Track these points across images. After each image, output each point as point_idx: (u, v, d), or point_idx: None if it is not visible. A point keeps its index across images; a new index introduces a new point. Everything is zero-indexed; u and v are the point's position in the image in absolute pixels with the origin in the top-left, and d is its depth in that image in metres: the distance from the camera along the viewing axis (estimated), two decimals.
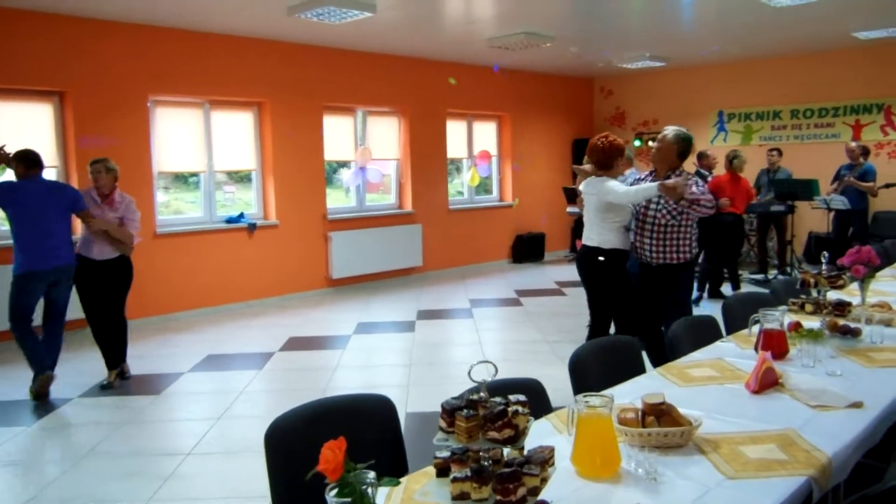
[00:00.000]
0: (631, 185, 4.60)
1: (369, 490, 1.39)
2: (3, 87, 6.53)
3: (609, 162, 4.58)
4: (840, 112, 10.14)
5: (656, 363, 3.78)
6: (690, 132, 4.58)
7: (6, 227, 5.66)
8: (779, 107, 10.64)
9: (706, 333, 3.38)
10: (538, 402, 2.36)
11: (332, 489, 1.38)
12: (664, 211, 4.35)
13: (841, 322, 3.23)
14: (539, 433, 2.03)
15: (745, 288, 8.49)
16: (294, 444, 2.05)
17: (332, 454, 1.34)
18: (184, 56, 7.57)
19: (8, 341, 5.59)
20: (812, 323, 3.26)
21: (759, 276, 9.29)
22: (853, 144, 8.98)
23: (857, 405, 2.36)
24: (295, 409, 2.15)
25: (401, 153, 10.02)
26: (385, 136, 9.83)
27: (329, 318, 7.72)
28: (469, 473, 1.52)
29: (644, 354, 4.19)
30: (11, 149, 5.07)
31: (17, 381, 5.34)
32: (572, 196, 9.69)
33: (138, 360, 5.91)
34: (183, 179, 8.41)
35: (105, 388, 5.33)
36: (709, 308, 7.05)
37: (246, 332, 7.13)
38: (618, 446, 1.92)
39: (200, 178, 8.13)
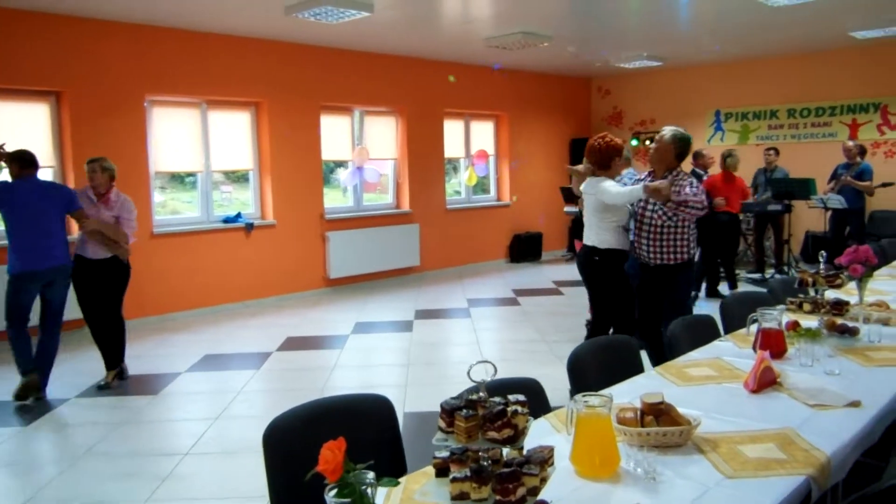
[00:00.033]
0: (626, 185, 4.63)
1: (369, 490, 1.39)
2: None
3: (606, 162, 4.62)
4: (837, 111, 10.16)
5: (656, 363, 3.78)
6: (688, 132, 4.58)
7: (1, 227, 5.65)
8: (776, 106, 10.65)
9: (704, 333, 3.39)
10: (537, 402, 2.36)
11: (331, 489, 1.38)
12: (660, 212, 4.36)
13: (839, 321, 3.24)
14: (538, 433, 2.03)
15: (743, 287, 8.51)
16: (292, 444, 2.05)
17: (331, 454, 1.34)
18: (181, 56, 7.56)
19: (3, 341, 5.57)
20: (810, 322, 3.27)
21: (757, 276, 9.30)
22: (850, 143, 8.99)
23: (855, 404, 2.36)
24: (293, 409, 2.14)
25: (398, 153, 10.01)
26: (382, 136, 9.83)
27: (327, 318, 7.71)
28: (468, 473, 1.52)
29: (644, 354, 4.23)
30: (9, 148, 5.05)
31: (13, 381, 5.31)
32: (570, 196, 9.70)
33: (136, 360, 5.90)
34: (179, 179, 8.39)
35: (102, 389, 5.32)
36: (706, 307, 7.04)
37: (243, 332, 7.13)
38: (617, 446, 1.92)
39: (197, 178, 8.12)
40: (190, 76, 7.65)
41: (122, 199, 5.31)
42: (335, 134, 9.23)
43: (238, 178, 8.74)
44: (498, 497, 1.51)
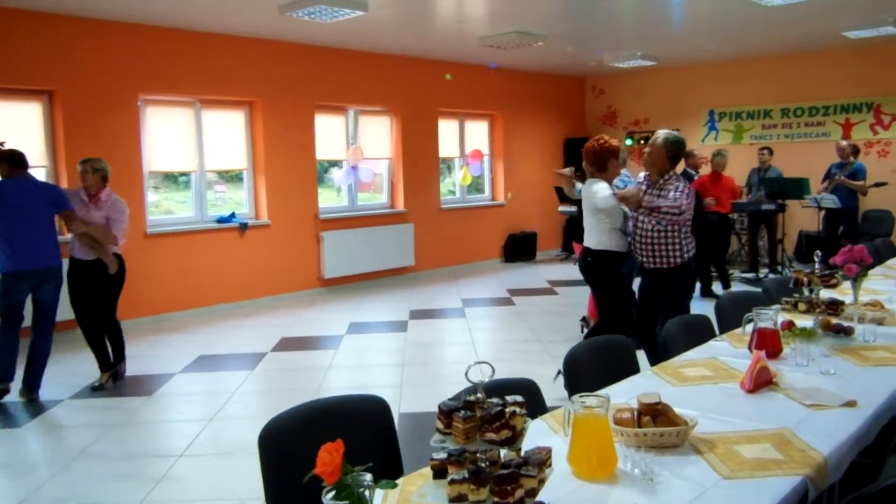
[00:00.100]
0: (619, 188, 4.67)
1: (366, 492, 1.38)
2: None
3: (602, 164, 4.66)
4: (830, 111, 10.19)
5: (653, 364, 3.79)
6: (682, 132, 4.60)
7: None
8: (769, 106, 10.68)
9: (699, 333, 3.39)
10: (533, 402, 2.35)
11: (329, 492, 1.37)
12: (648, 216, 4.41)
13: (834, 321, 3.25)
14: (535, 433, 2.03)
15: (737, 287, 8.53)
16: (288, 445, 2.04)
17: (329, 457, 1.33)
18: (174, 55, 7.52)
19: None
20: (805, 322, 3.28)
21: (751, 275, 9.32)
22: (844, 143, 9.02)
23: (851, 404, 2.36)
24: (289, 411, 2.13)
25: (392, 152, 10.00)
26: (377, 135, 9.81)
27: (321, 318, 7.70)
28: (467, 475, 1.52)
29: (643, 355, 4.24)
30: (7, 147, 5.05)
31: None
32: (564, 195, 9.70)
33: (130, 360, 5.84)
34: (173, 179, 8.36)
35: (96, 390, 5.29)
36: (700, 307, 7.04)
37: (238, 333, 7.10)
38: (614, 447, 1.92)
39: (191, 178, 8.09)
40: (184, 75, 7.62)
41: (112, 199, 5.25)
42: (329, 133, 9.21)
43: (232, 177, 8.71)
44: (496, 499, 1.50)
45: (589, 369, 2.82)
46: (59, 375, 5.57)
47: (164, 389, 5.37)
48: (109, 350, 5.44)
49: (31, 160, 5.26)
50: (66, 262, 5.25)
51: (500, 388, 2.13)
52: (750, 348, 2.93)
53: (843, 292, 3.91)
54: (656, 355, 4.03)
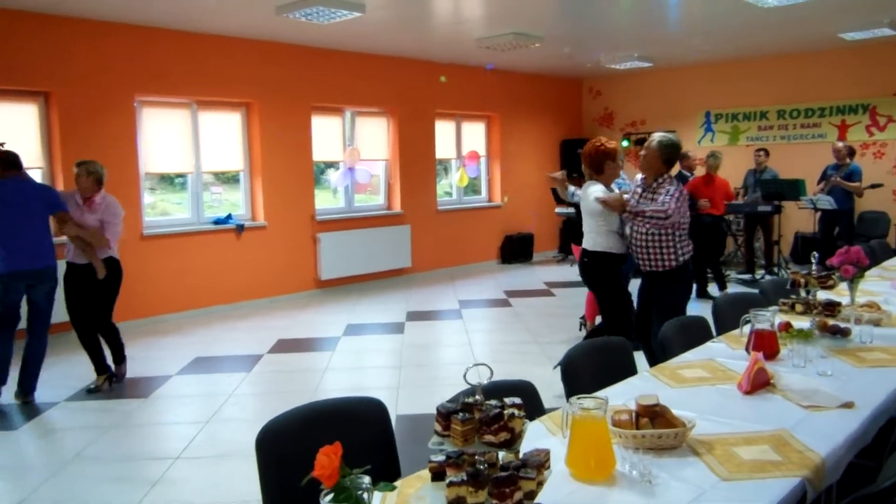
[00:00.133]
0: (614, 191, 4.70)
1: (365, 495, 1.38)
2: None
3: (598, 167, 4.71)
4: (826, 112, 10.21)
5: (652, 365, 3.79)
6: (678, 133, 4.61)
7: None
8: (765, 107, 10.70)
9: (697, 334, 3.39)
10: (531, 404, 2.35)
11: (327, 494, 1.37)
12: (633, 220, 4.44)
13: (831, 322, 3.25)
14: (532, 435, 2.02)
15: (733, 288, 8.54)
16: (286, 447, 2.04)
17: (327, 459, 1.32)
18: (171, 56, 7.51)
19: None
20: (802, 323, 3.28)
21: (747, 276, 9.34)
22: (840, 144, 9.04)
23: (848, 405, 2.36)
24: (286, 413, 2.13)
25: (389, 153, 10.00)
26: (374, 137, 9.81)
27: (318, 320, 7.68)
28: (465, 477, 1.51)
29: (641, 356, 4.25)
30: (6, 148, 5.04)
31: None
32: (560, 197, 9.71)
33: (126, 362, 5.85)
34: (169, 180, 8.34)
35: (92, 392, 5.27)
36: (696, 308, 7.06)
37: (234, 335, 7.09)
38: (612, 448, 1.92)
39: (187, 179, 8.07)
40: (180, 76, 7.60)
41: (106, 201, 5.21)
42: (326, 135, 9.20)
43: (228, 179, 8.70)
44: (495, 501, 1.50)
45: (587, 371, 2.82)
46: (55, 378, 5.55)
47: (160, 391, 5.35)
48: (106, 353, 5.41)
49: (26, 161, 5.27)
50: (61, 265, 5.22)
51: (497, 389, 2.13)
52: (747, 350, 2.93)
53: (840, 294, 3.92)
54: (653, 357, 4.04)
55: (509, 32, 7.99)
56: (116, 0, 6.32)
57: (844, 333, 3.15)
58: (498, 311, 7.99)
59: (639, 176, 4.65)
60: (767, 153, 9.50)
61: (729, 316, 3.64)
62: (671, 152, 4.40)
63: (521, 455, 1.66)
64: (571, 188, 4.65)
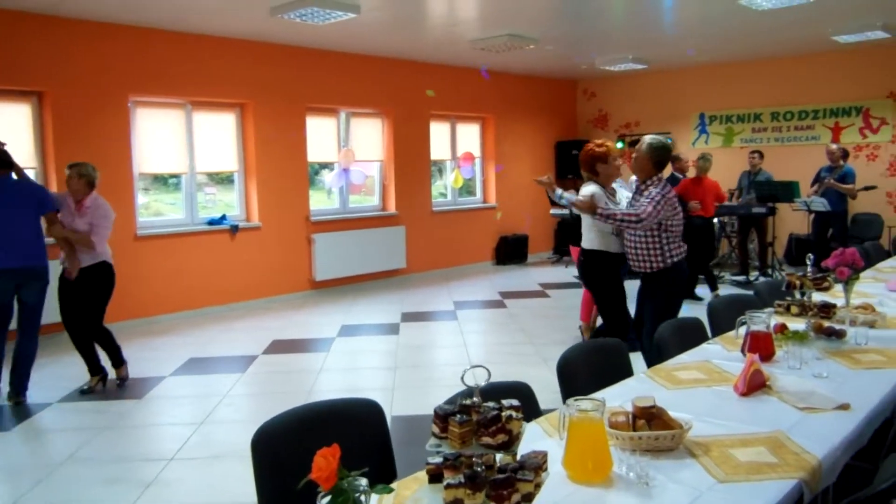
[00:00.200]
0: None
1: (362, 497, 1.37)
2: None
3: (591, 168, 4.83)
4: (820, 115, 10.25)
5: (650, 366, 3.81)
6: (672, 135, 4.62)
7: None
8: (760, 109, 10.73)
9: (692, 336, 3.39)
10: (527, 406, 2.34)
11: (324, 497, 1.36)
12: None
13: (826, 324, 3.26)
14: (529, 437, 2.01)
15: (727, 289, 8.56)
16: (282, 449, 2.03)
17: (325, 462, 1.32)
18: (165, 57, 7.49)
19: None
20: (797, 325, 3.28)
21: (741, 278, 9.36)
22: (833, 146, 9.07)
23: (844, 407, 2.37)
24: (282, 414, 2.12)
25: (384, 154, 9.99)
26: (368, 138, 9.80)
27: (312, 321, 7.67)
28: (462, 480, 1.51)
29: (640, 358, 4.26)
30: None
31: None
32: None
33: None
34: (162, 181, 8.32)
35: (85, 393, 5.24)
36: (684, 310, 7.08)
37: (229, 335, 7.07)
38: (609, 450, 1.92)
39: (181, 180, 8.05)
40: (174, 77, 7.58)
41: (96, 204, 5.13)
42: (321, 135, 9.19)
43: (222, 179, 8.67)
44: (493, 503, 1.49)
45: (583, 372, 2.82)
46: (48, 378, 5.53)
47: (154, 392, 5.33)
48: (100, 355, 5.37)
49: (19, 162, 5.22)
50: (56, 267, 5.18)
51: (493, 391, 2.12)
52: (743, 351, 2.94)
53: (835, 295, 3.93)
54: (648, 357, 4.05)
55: (504, 34, 7.99)
56: (110, 0, 6.30)
57: (840, 335, 3.16)
58: (493, 313, 7.99)
59: (632, 178, 4.67)
60: (762, 155, 9.53)
61: (724, 317, 3.65)
62: (661, 154, 4.41)
63: (518, 457, 1.65)
64: (559, 191, 4.66)
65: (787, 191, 8.88)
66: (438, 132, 10.68)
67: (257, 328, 7.31)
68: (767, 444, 2.08)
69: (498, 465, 1.62)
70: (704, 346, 3.26)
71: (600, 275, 4.79)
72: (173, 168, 7.95)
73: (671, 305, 4.50)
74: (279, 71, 8.45)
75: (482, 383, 1.74)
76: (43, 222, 5.11)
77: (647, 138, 4.48)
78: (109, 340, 5.37)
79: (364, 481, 1.38)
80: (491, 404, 1.64)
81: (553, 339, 6.50)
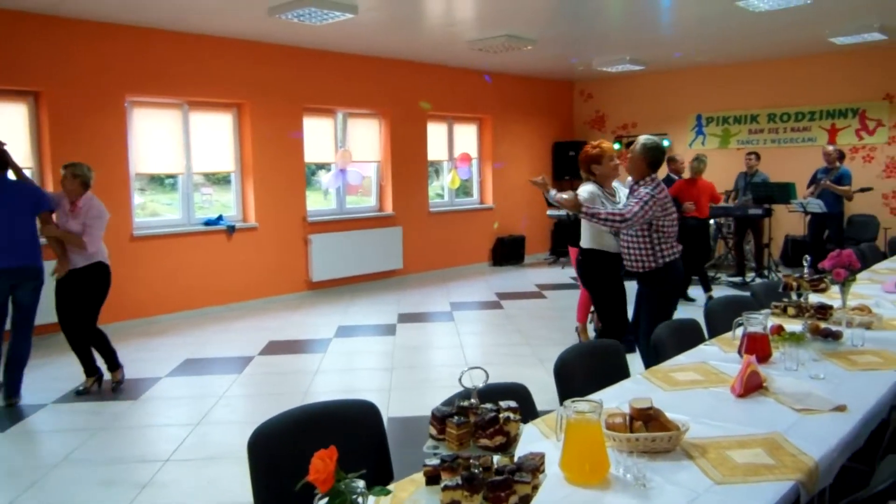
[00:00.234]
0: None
1: (359, 499, 1.37)
2: None
3: (587, 169, 4.90)
4: (816, 116, 10.27)
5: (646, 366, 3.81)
6: (669, 136, 4.63)
7: None
8: (756, 111, 10.75)
9: (689, 337, 3.39)
10: (524, 407, 2.34)
11: (321, 499, 1.36)
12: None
13: (822, 325, 3.26)
14: (526, 438, 2.01)
15: (724, 291, 8.56)
16: (278, 451, 2.02)
17: (322, 464, 1.31)
18: (162, 56, 7.47)
19: None
20: (794, 326, 3.28)
21: (737, 279, 9.38)
22: (830, 148, 9.09)
23: (840, 409, 2.37)
24: (278, 416, 2.11)
25: (381, 155, 9.98)
26: (365, 138, 9.79)
27: (309, 322, 7.66)
28: (460, 481, 1.50)
29: (636, 358, 4.27)
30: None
31: None
32: None
33: None
34: (158, 181, 8.30)
35: (80, 394, 5.22)
36: (678, 311, 7.09)
37: (225, 336, 7.05)
38: (606, 452, 1.91)
39: (178, 180, 8.03)
40: (171, 77, 7.56)
41: (88, 204, 5.09)
42: (318, 136, 9.18)
43: (219, 180, 8.66)
44: None
45: (580, 374, 2.82)
46: (43, 379, 5.51)
47: (150, 393, 5.32)
48: (96, 357, 5.35)
49: (16, 162, 5.20)
50: (51, 267, 5.17)
51: (490, 392, 2.11)
52: (740, 353, 2.94)
53: (832, 297, 3.93)
54: (645, 357, 4.06)
55: (502, 35, 7.99)
56: (107, 0, 6.28)
57: (836, 337, 3.16)
58: (489, 314, 7.99)
59: (629, 178, 4.67)
60: (758, 156, 9.55)
61: (720, 319, 3.65)
62: (655, 155, 4.41)
63: (516, 459, 1.65)
64: (553, 191, 4.67)
65: (784, 192, 8.90)
66: (435, 133, 10.68)
67: (254, 329, 7.30)
68: (764, 445, 2.09)
69: (495, 466, 1.62)
70: (701, 347, 3.26)
71: (598, 274, 4.82)
72: (170, 168, 7.93)
73: (665, 305, 4.51)
74: (276, 71, 8.44)
75: (480, 385, 1.73)
76: (37, 222, 5.09)
77: (642, 138, 4.48)
78: (104, 343, 5.33)
79: (361, 483, 1.38)
80: (488, 406, 1.64)
81: (550, 341, 6.50)
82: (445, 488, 1.51)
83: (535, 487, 1.58)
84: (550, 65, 10.59)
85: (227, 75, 8.00)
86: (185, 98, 7.81)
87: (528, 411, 2.41)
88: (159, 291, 7.57)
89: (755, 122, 10.77)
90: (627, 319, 4.83)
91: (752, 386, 2.54)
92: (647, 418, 2.07)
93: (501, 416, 1.61)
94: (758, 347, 2.87)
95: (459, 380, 1.67)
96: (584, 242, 4.85)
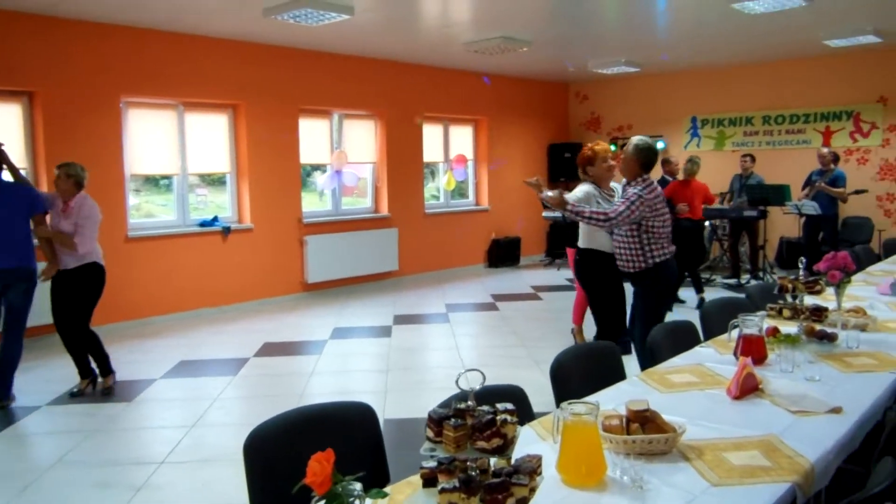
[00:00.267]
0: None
1: (357, 502, 1.36)
2: None
3: (583, 170, 5.00)
4: (811, 119, 10.30)
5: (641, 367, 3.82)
6: (664, 138, 4.64)
7: None
8: (751, 113, 10.78)
9: (684, 339, 3.40)
10: (521, 409, 2.34)
11: (318, 501, 1.35)
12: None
13: (818, 327, 3.27)
14: (522, 441, 2.00)
15: (719, 293, 8.57)
16: (274, 453, 2.02)
17: (320, 466, 1.31)
18: (157, 57, 7.46)
19: None
20: (789, 328, 3.29)
21: (732, 281, 9.40)
22: (824, 150, 9.13)
23: (836, 410, 2.37)
24: (274, 418, 2.11)
25: (377, 156, 9.98)
26: (361, 140, 9.79)
27: (304, 323, 7.64)
28: (457, 484, 1.50)
29: (633, 359, 4.27)
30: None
31: None
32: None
33: None
34: (153, 182, 8.28)
35: (75, 396, 5.20)
36: (671, 312, 7.11)
37: (220, 338, 7.03)
38: (603, 454, 1.91)
39: (173, 181, 8.01)
40: (167, 78, 7.55)
41: (80, 204, 5.05)
42: (314, 137, 9.17)
43: (214, 181, 8.64)
44: None
45: (576, 375, 2.82)
46: (37, 381, 5.48)
47: (144, 395, 5.30)
48: (91, 360, 5.32)
49: (13, 163, 5.18)
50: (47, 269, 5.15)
51: (486, 394, 2.11)
52: (735, 355, 2.94)
53: (827, 299, 3.94)
54: (640, 357, 4.07)
55: (497, 36, 8.00)
56: (103, 1, 6.27)
57: (831, 338, 3.17)
58: (485, 315, 7.99)
59: (624, 179, 4.69)
60: (753, 159, 9.58)
61: (716, 321, 3.66)
62: (647, 155, 4.42)
63: (512, 461, 1.64)
64: (546, 192, 4.69)
65: (778, 194, 8.93)
66: (431, 134, 10.68)
67: (249, 330, 7.28)
68: (760, 447, 2.09)
69: (492, 469, 1.62)
70: (697, 349, 3.26)
71: (594, 274, 4.84)
72: (165, 169, 7.92)
73: (657, 305, 4.52)
74: (272, 72, 8.43)
75: (477, 387, 1.73)
76: (31, 223, 5.07)
77: (634, 139, 4.49)
78: (97, 346, 5.28)
79: (358, 486, 1.38)
80: (485, 408, 1.64)
81: (545, 342, 6.50)
82: (442, 491, 1.51)
83: (533, 490, 1.58)
84: (546, 66, 10.60)
85: (223, 76, 7.99)
86: (180, 99, 7.79)
87: (525, 413, 2.41)
88: (154, 293, 7.55)
89: (750, 124, 10.80)
90: (624, 321, 4.84)
91: (747, 388, 2.55)
92: (644, 420, 2.07)
93: (498, 418, 1.60)
94: (753, 349, 2.87)
95: (456, 382, 1.67)
96: (583, 243, 4.89)
